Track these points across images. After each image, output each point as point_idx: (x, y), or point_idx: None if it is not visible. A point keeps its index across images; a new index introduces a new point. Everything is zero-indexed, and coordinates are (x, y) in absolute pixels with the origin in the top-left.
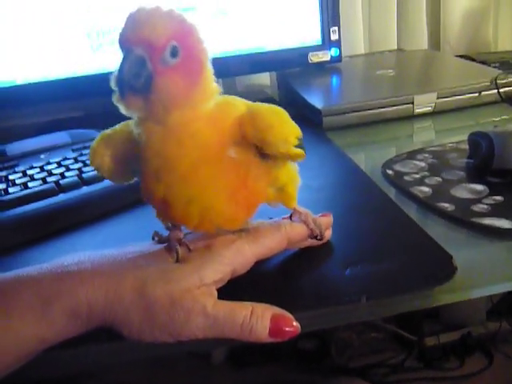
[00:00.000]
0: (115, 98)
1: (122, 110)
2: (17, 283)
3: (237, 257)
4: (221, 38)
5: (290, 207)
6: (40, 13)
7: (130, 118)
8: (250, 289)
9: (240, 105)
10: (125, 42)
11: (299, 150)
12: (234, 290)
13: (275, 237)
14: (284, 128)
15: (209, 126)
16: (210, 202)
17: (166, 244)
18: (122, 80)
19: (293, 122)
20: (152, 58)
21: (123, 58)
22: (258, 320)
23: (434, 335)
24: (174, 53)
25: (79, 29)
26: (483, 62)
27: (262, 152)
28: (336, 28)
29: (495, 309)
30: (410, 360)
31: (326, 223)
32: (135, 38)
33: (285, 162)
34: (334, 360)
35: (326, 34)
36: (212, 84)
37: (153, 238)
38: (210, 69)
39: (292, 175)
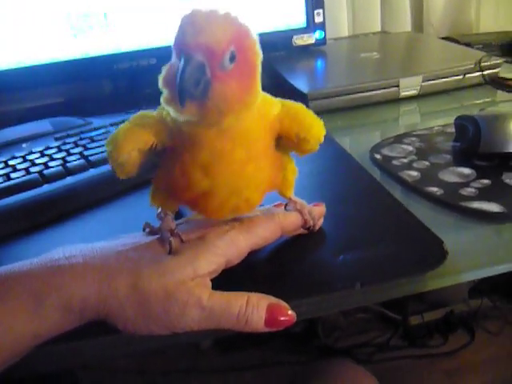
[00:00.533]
0: (165, 100)
1: (172, 112)
2: (8, 279)
3: (230, 247)
4: None
5: (287, 196)
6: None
7: (110, 103)
8: (243, 278)
9: (275, 101)
10: (184, 48)
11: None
12: (227, 279)
13: (269, 226)
14: (320, 128)
15: (257, 123)
16: (250, 193)
17: (157, 235)
18: (182, 88)
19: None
20: (211, 64)
21: (183, 65)
22: (254, 310)
23: (418, 314)
24: (232, 58)
25: (59, 13)
26: (467, 44)
27: (281, 144)
28: (320, 10)
29: (477, 287)
30: (395, 339)
31: (318, 213)
32: (195, 44)
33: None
34: (322, 341)
35: (310, 16)
36: (260, 85)
37: (144, 229)
38: (260, 69)
39: (292, 165)
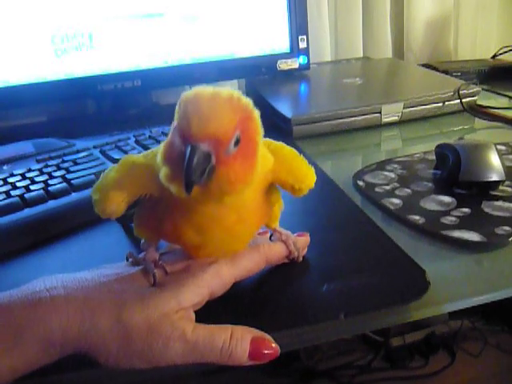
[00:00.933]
0: (166, 178)
1: (173, 190)
2: None
3: (215, 279)
4: (189, 45)
5: (272, 227)
6: (2, 16)
7: (94, 124)
8: (225, 308)
9: (267, 155)
10: (190, 137)
11: None
12: (208, 309)
13: (253, 258)
14: (313, 176)
15: (253, 191)
16: (239, 246)
17: (141, 266)
18: (189, 178)
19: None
20: (217, 152)
21: (189, 155)
22: (238, 343)
23: (399, 335)
24: (237, 142)
25: (44, 33)
26: (445, 71)
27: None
28: (304, 36)
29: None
30: (377, 360)
31: (303, 243)
32: (202, 134)
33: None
34: (303, 363)
35: (294, 42)
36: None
37: (127, 259)
38: (261, 144)
39: (280, 200)
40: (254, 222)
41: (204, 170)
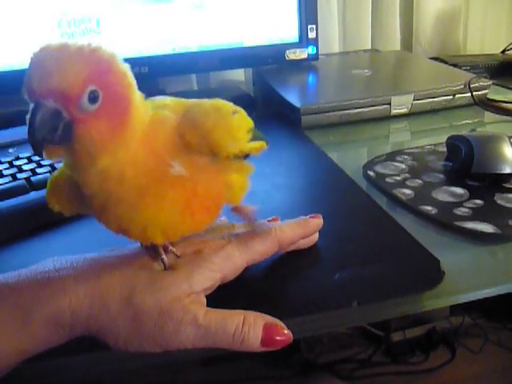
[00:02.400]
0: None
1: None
2: None
3: (227, 263)
4: (197, 32)
5: (234, 203)
6: (8, 2)
7: None
8: (236, 294)
9: (173, 110)
10: (32, 94)
11: (257, 143)
12: (218, 295)
13: (266, 241)
14: (229, 125)
15: (145, 152)
16: (165, 221)
17: (152, 249)
18: (33, 137)
19: (240, 115)
20: (68, 108)
21: (32, 112)
22: (250, 329)
23: (400, 330)
24: (94, 98)
25: (50, 17)
26: (455, 65)
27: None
28: (314, 26)
29: (458, 304)
30: (378, 355)
31: (315, 225)
32: (44, 90)
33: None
34: (304, 356)
35: (303, 31)
36: (141, 112)
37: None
38: (137, 98)
39: (236, 170)
40: (179, 194)
41: (56, 128)
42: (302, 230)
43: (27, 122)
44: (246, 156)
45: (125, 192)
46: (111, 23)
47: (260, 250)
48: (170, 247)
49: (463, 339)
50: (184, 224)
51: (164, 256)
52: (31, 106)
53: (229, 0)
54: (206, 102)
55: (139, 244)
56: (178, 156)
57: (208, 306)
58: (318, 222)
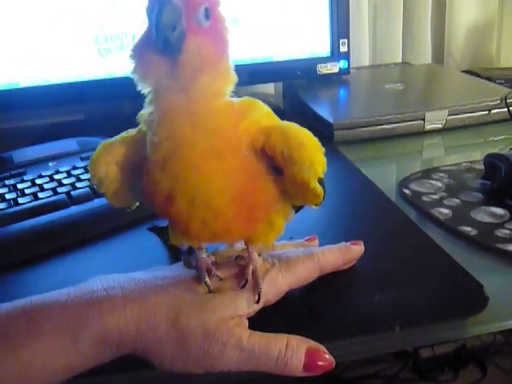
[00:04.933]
0: (134, 69)
1: (139, 78)
2: (45, 309)
3: (271, 288)
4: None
5: (252, 244)
6: (48, 16)
7: (129, 124)
8: (278, 316)
9: (268, 114)
10: None
11: (319, 187)
12: (262, 317)
13: (308, 266)
14: (314, 153)
15: (228, 115)
16: (214, 199)
17: (195, 271)
18: (158, 29)
19: (323, 154)
20: (187, 13)
21: (158, 8)
22: (294, 354)
23: (429, 346)
24: (207, 15)
25: (88, 33)
26: (488, 79)
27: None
28: (345, 40)
29: None
30: (405, 371)
31: (357, 252)
32: None
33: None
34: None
35: (335, 45)
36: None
37: (183, 263)
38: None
39: (281, 220)
40: (234, 175)
41: (174, 27)
42: (343, 257)
43: (152, 14)
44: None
45: (194, 144)
46: None
47: (302, 276)
48: (214, 270)
49: (494, 357)
50: (225, 216)
51: (207, 279)
52: (157, 3)
53: (261, 15)
54: (300, 126)
55: (182, 264)
56: (253, 150)
57: (249, 327)
58: (359, 248)
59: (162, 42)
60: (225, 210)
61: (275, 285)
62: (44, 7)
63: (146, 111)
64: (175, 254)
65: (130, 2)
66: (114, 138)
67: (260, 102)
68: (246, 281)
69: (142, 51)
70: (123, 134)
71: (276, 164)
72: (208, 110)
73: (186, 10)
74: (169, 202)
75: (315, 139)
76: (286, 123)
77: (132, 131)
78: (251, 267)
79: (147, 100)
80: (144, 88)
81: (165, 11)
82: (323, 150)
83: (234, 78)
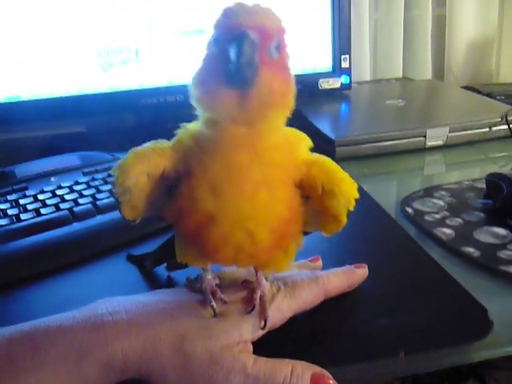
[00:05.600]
0: (198, 99)
1: (202, 107)
2: (50, 333)
3: (276, 313)
4: None
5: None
6: (51, 29)
7: (131, 137)
8: (278, 340)
9: (309, 146)
10: (238, 26)
11: (345, 219)
12: (266, 341)
13: (313, 290)
14: (351, 188)
15: (284, 148)
16: (257, 227)
17: (200, 294)
18: (236, 65)
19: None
20: (263, 45)
21: (237, 44)
22: (299, 380)
23: None
24: (277, 48)
25: (90, 47)
26: (489, 95)
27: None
28: (347, 56)
29: None
30: None
31: (361, 275)
32: (251, 22)
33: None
34: None
35: (336, 61)
36: None
37: (186, 285)
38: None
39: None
40: (280, 204)
41: (251, 63)
42: (348, 281)
43: (228, 48)
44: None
45: (252, 172)
46: (149, 53)
47: (307, 300)
48: (219, 294)
49: (494, 372)
50: (261, 244)
51: (213, 303)
52: (235, 39)
53: None
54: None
55: (185, 288)
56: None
57: (253, 352)
58: (363, 272)
59: (239, 77)
60: (263, 238)
61: (281, 310)
62: (47, 21)
63: (194, 127)
64: (153, 281)
65: (133, 16)
66: (144, 147)
67: (303, 133)
68: (254, 306)
69: (209, 81)
70: (156, 145)
71: (304, 194)
72: (268, 144)
73: (262, 44)
74: (207, 222)
75: (347, 174)
76: (322, 157)
77: (166, 142)
78: (259, 293)
79: (202, 120)
80: (203, 113)
81: (244, 47)
82: (356, 185)
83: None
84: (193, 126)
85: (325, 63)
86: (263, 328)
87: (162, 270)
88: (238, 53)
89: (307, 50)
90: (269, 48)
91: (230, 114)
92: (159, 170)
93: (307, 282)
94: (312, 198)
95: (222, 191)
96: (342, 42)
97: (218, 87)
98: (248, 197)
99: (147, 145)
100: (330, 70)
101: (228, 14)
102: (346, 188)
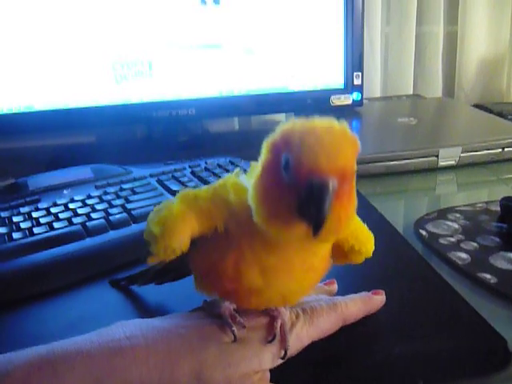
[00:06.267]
0: (263, 219)
1: (266, 228)
2: (68, 358)
3: (295, 342)
4: (243, 77)
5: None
6: (66, 41)
7: (142, 149)
8: (298, 367)
9: None
10: (319, 172)
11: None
12: (282, 367)
13: (331, 318)
14: (373, 243)
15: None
16: (298, 297)
17: (218, 319)
18: (323, 217)
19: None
20: (338, 188)
21: (319, 189)
22: None
23: None
24: (350, 180)
25: (104, 60)
26: (500, 113)
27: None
28: (359, 73)
29: None
30: None
31: (379, 302)
32: (332, 168)
33: None
34: None
35: (349, 77)
36: None
37: (203, 309)
38: None
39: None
40: (318, 276)
41: (328, 210)
42: (366, 308)
43: (314, 200)
44: None
45: (300, 262)
46: (163, 66)
47: (326, 328)
48: (238, 318)
49: None
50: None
51: (235, 328)
52: (316, 185)
53: (277, 47)
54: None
55: (202, 311)
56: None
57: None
58: (381, 298)
59: (319, 228)
60: (299, 298)
61: (300, 339)
62: (62, 32)
63: (241, 187)
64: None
65: (148, 29)
66: (184, 203)
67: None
68: (274, 335)
69: (277, 206)
70: (196, 201)
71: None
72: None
73: (341, 184)
74: (249, 292)
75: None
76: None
77: (203, 196)
78: (280, 321)
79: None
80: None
81: (325, 203)
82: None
83: None
84: (238, 183)
85: (337, 80)
86: (283, 358)
87: (176, 291)
88: (318, 207)
89: (319, 67)
90: (342, 185)
91: (296, 240)
92: (203, 230)
93: (326, 310)
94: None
95: (272, 275)
96: (355, 58)
97: (289, 217)
98: (295, 280)
99: (187, 198)
100: (342, 86)
101: (305, 150)
102: (370, 246)
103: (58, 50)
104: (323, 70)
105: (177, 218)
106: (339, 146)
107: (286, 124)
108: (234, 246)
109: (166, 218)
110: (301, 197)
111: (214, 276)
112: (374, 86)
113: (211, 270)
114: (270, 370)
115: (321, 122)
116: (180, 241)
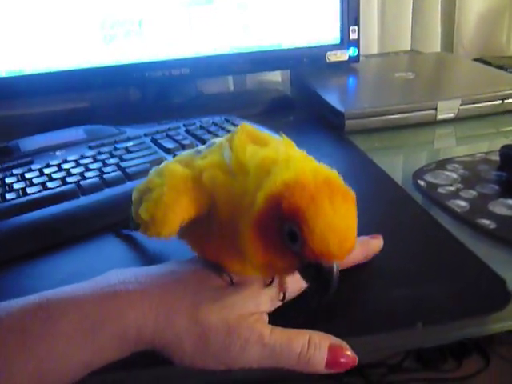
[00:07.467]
0: (254, 254)
1: (250, 260)
2: (62, 304)
3: (293, 284)
4: (236, 34)
5: None
6: (53, 2)
7: (135, 111)
8: (298, 311)
9: None
10: (328, 257)
11: None
12: (281, 312)
13: None
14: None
15: None
16: None
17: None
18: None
19: None
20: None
21: (327, 274)
22: (316, 350)
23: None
24: None
25: (93, 19)
26: (500, 67)
27: None
28: (356, 27)
29: None
30: (409, 361)
31: (376, 246)
32: (341, 253)
33: None
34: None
35: (345, 33)
36: None
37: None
38: None
39: None
40: None
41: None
42: (363, 251)
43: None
44: None
45: None
46: (153, 25)
47: None
48: None
49: (498, 347)
50: None
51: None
52: (327, 268)
53: (271, 1)
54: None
55: (198, 257)
56: None
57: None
58: (378, 242)
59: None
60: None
61: (297, 281)
62: None
63: (222, 162)
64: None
65: None
66: (173, 188)
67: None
68: (273, 279)
69: (275, 264)
70: (185, 184)
71: None
72: None
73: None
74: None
75: None
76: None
77: (188, 176)
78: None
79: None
80: None
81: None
82: None
83: None
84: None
85: (332, 35)
86: (282, 300)
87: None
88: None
89: (314, 23)
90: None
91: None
92: (192, 216)
93: None
94: None
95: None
96: (351, 13)
97: (286, 270)
98: None
99: (175, 181)
100: (338, 42)
101: (317, 236)
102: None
103: (44, 11)
104: (319, 25)
105: (166, 205)
106: (351, 229)
107: (284, 171)
108: (213, 232)
109: (156, 206)
110: (308, 275)
111: (200, 251)
112: (371, 42)
113: (196, 245)
114: (269, 314)
115: (322, 187)
116: (170, 231)
